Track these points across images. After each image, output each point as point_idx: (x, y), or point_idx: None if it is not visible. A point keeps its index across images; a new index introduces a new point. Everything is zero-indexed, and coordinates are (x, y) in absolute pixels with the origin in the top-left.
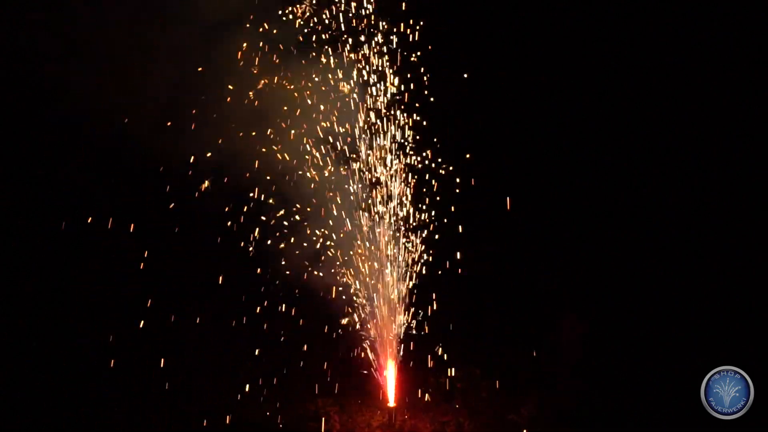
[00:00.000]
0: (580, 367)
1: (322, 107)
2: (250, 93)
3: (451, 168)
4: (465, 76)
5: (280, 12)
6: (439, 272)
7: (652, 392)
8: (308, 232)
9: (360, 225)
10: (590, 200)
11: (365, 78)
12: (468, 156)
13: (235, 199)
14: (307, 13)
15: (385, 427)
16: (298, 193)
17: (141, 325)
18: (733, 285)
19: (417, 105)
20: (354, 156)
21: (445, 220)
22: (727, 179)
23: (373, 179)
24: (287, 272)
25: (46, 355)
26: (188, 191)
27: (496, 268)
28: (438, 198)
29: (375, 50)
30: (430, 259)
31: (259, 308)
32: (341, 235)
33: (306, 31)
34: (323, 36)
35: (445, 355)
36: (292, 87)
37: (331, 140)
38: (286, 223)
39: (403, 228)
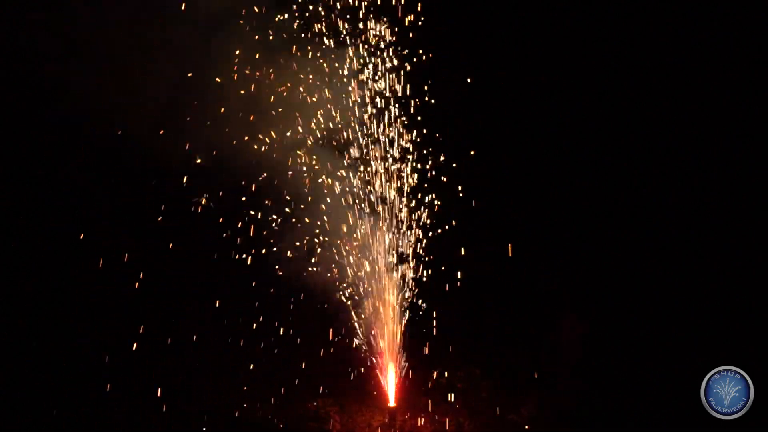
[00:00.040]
0: (580, 367)
1: (315, 98)
2: (250, 87)
3: (454, 165)
4: (468, 80)
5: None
6: (439, 272)
7: (652, 392)
8: (306, 230)
9: (359, 222)
10: (590, 200)
11: (364, 69)
12: (472, 153)
13: (234, 198)
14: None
15: (385, 427)
16: (298, 191)
17: (141, 325)
18: (733, 285)
19: (417, 102)
20: (352, 150)
21: (450, 226)
22: (727, 179)
23: (372, 172)
24: (285, 271)
25: (46, 355)
26: (188, 190)
27: (496, 268)
28: (437, 199)
29: (373, 45)
30: (431, 258)
31: (258, 307)
32: (341, 237)
33: (301, 24)
34: (321, 27)
35: (445, 356)
36: (287, 86)
37: (330, 135)
38: (283, 219)
39: (403, 227)
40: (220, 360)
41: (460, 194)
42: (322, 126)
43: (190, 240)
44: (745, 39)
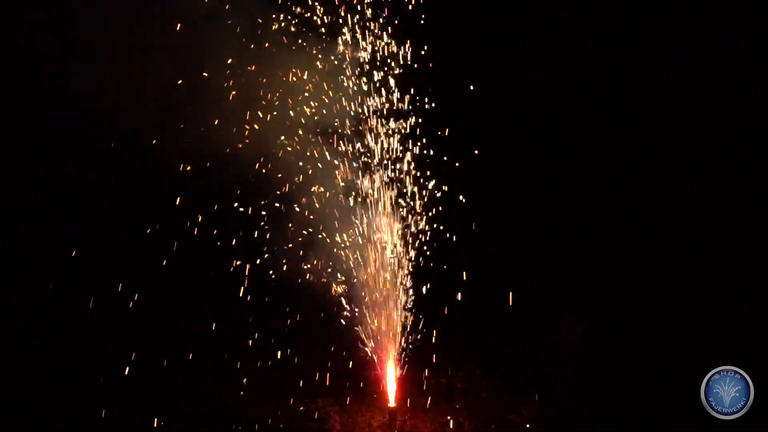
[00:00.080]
0: (580, 367)
1: (310, 86)
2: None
3: (457, 164)
4: (471, 87)
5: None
6: (439, 272)
7: (652, 392)
8: (303, 227)
9: (359, 220)
10: (590, 200)
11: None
12: (476, 152)
13: (233, 197)
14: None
15: (385, 427)
16: (297, 189)
17: (141, 325)
18: (733, 285)
19: (417, 102)
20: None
21: (449, 226)
22: (727, 179)
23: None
24: (283, 269)
25: (46, 355)
26: (187, 190)
27: (496, 268)
28: (437, 200)
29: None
30: (431, 257)
31: (258, 307)
32: (339, 231)
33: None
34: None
35: (445, 355)
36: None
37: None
38: (281, 216)
39: (402, 226)
40: (219, 360)
41: (461, 193)
42: (316, 117)
43: (190, 239)
44: (745, 39)
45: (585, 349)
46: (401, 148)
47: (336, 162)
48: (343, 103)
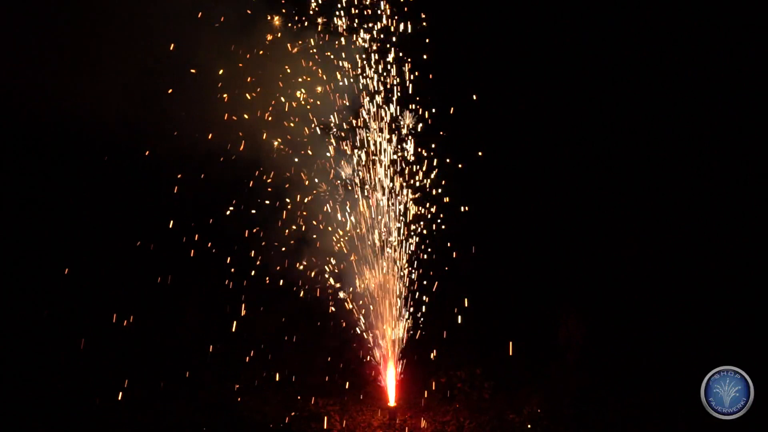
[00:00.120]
0: (580, 367)
1: (307, 77)
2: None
3: (460, 165)
4: (474, 97)
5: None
6: (440, 272)
7: (652, 392)
8: (301, 223)
9: (359, 220)
10: (591, 200)
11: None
12: (480, 154)
13: (232, 196)
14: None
15: (386, 427)
16: (296, 188)
17: (141, 325)
18: (733, 285)
19: (417, 99)
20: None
21: (450, 226)
22: (728, 179)
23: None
24: (282, 268)
25: (46, 355)
26: (186, 189)
27: (497, 269)
28: (437, 201)
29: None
30: (433, 256)
31: (257, 307)
32: (342, 233)
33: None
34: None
35: (446, 355)
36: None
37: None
38: (279, 213)
39: (402, 224)
40: (219, 360)
41: (461, 193)
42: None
43: (190, 240)
44: (746, 39)
45: (585, 349)
46: (401, 147)
47: (329, 154)
48: (340, 97)
